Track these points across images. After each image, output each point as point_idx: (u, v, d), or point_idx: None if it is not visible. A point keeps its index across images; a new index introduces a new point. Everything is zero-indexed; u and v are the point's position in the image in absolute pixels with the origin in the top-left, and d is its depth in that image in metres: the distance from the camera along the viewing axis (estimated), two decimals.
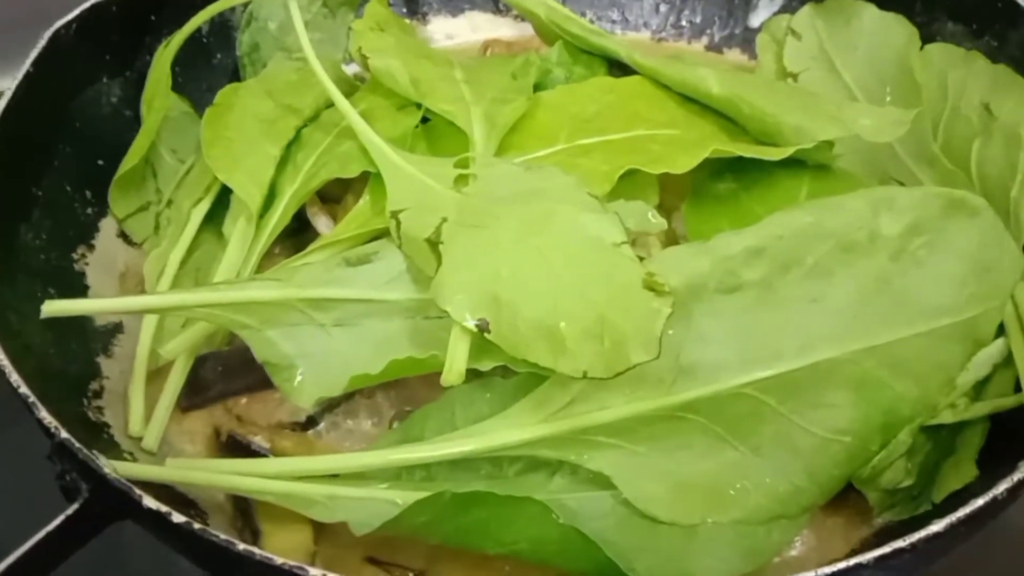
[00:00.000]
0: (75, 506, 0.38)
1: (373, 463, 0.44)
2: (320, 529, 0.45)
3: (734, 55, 0.76)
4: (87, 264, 0.57)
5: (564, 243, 0.45)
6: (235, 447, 0.50)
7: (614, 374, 0.40)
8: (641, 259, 0.44)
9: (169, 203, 0.62)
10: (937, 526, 0.36)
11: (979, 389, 0.48)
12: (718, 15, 0.77)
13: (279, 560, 0.34)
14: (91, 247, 0.58)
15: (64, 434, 0.39)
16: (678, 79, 0.60)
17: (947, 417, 0.47)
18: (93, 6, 0.61)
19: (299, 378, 0.47)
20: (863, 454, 0.45)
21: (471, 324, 0.42)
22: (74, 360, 0.52)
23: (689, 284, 0.44)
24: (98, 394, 0.51)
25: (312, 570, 0.34)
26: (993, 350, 0.48)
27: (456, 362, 0.42)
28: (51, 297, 0.52)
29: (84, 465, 0.38)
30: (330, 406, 0.51)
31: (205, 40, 0.69)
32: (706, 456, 0.44)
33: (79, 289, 0.56)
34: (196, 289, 0.50)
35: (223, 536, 0.35)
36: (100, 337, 0.54)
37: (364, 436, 0.51)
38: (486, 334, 0.42)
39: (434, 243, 0.46)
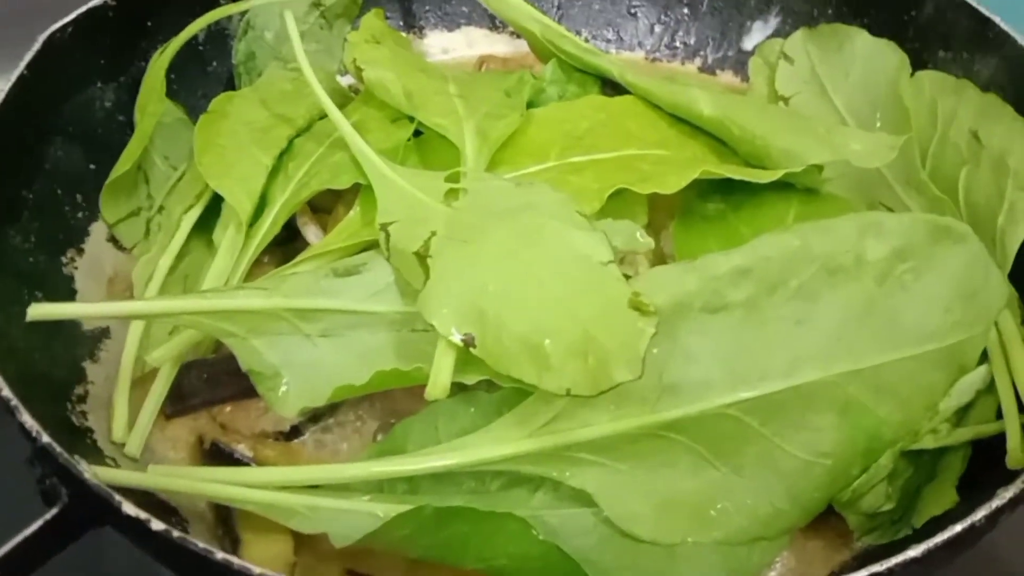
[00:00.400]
0: (54, 511, 0.38)
1: (355, 475, 0.44)
2: (300, 540, 0.45)
3: (727, 77, 0.77)
4: (76, 268, 0.57)
5: (552, 260, 0.45)
6: (218, 455, 0.49)
7: (598, 392, 0.40)
8: (628, 278, 0.45)
9: (160, 209, 0.62)
10: (915, 551, 0.36)
11: (961, 415, 0.49)
12: (712, 37, 0.77)
13: (257, 570, 0.34)
14: (80, 251, 0.58)
15: (45, 438, 0.39)
16: (670, 99, 0.60)
17: (929, 442, 0.47)
18: (89, 10, 0.61)
19: (284, 388, 0.47)
20: (844, 477, 0.45)
21: (457, 338, 0.43)
22: (59, 364, 0.51)
23: (675, 303, 0.45)
24: (82, 399, 0.51)
25: None
26: (976, 377, 0.48)
27: (441, 376, 0.43)
28: (38, 300, 0.52)
29: (64, 470, 0.38)
30: (314, 417, 0.51)
31: (201, 48, 0.69)
32: (688, 475, 0.44)
33: (67, 293, 0.56)
34: (183, 296, 0.50)
35: (202, 545, 0.35)
36: (87, 342, 0.54)
37: (347, 447, 0.51)
38: (472, 349, 0.42)
39: (422, 256, 0.46)
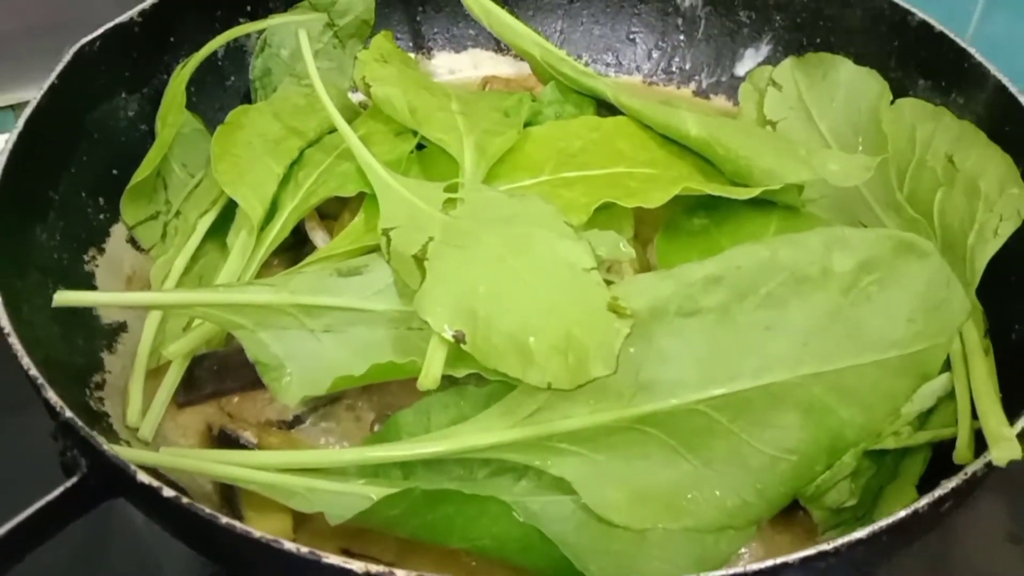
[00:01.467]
0: (74, 479, 0.41)
1: (351, 459, 0.47)
2: (299, 519, 0.48)
3: (720, 101, 0.80)
4: (96, 266, 0.61)
5: (539, 265, 0.48)
6: (225, 441, 0.53)
7: (575, 386, 0.44)
8: (609, 284, 0.48)
9: (177, 214, 0.66)
10: (860, 533, 0.39)
11: (923, 419, 0.51)
12: (706, 63, 0.81)
13: (257, 533, 0.37)
14: (101, 250, 0.62)
15: (68, 413, 0.42)
16: (660, 120, 0.63)
17: (890, 443, 0.50)
18: (117, 25, 0.65)
19: (287, 378, 0.50)
20: (809, 473, 0.48)
21: (449, 335, 0.46)
22: (79, 353, 0.55)
23: (651, 307, 0.48)
24: (100, 386, 0.54)
25: (286, 543, 0.37)
26: (937, 384, 0.51)
27: (432, 368, 0.46)
28: None
29: (84, 442, 0.41)
30: (315, 407, 0.54)
31: (220, 63, 0.73)
32: (661, 467, 0.47)
33: (88, 288, 0.59)
34: (197, 289, 0.53)
35: (208, 510, 0.38)
36: (105, 334, 0.58)
37: (345, 437, 0.54)
38: (462, 345, 0.46)
39: (420, 259, 0.49)
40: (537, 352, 0.45)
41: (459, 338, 0.46)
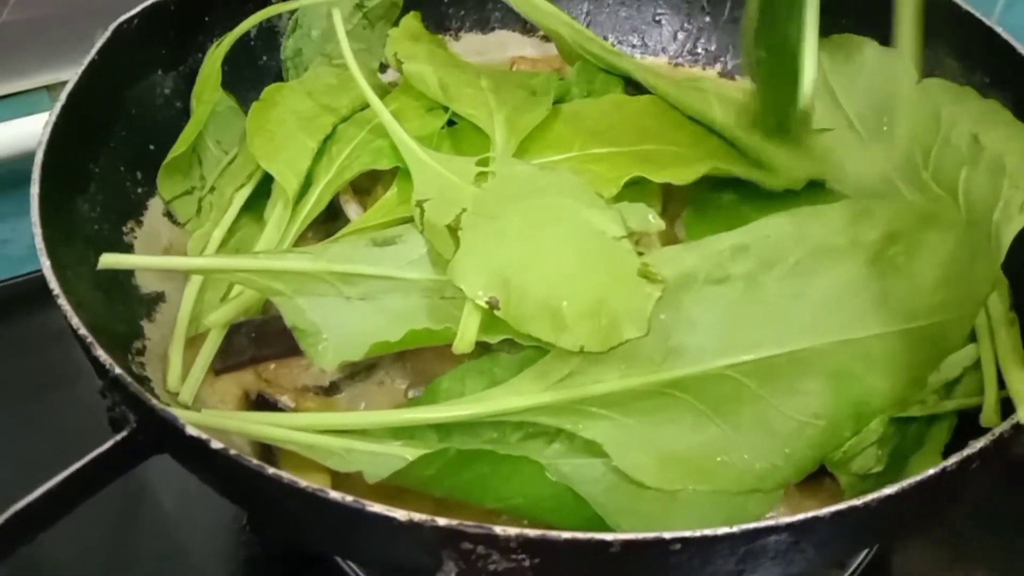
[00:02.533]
0: (124, 433, 0.42)
1: (388, 421, 0.49)
2: (336, 479, 0.49)
3: (746, 83, 0.80)
4: (135, 238, 0.62)
5: (569, 234, 0.50)
6: (264, 405, 0.54)
7: (608, 348, 0.45)
8: (639, 255, 0.49)
9: (212, 189, 0.67)
10: (890, 489, 0.40)
11: (949, 389, 0.52)
12: (732, 44, 0.81)
13: (303, 483, 0.39)
14: (139, 223, 0.63)
15: (117, 370, 0.43)
16: (686, 101, 0.64)
17: (916, 411, 0.51)
18: (153, 4, 0.66)
19: (323, 344, 0.51)
20: (835, 439, 0.49)
21: (483, 301, 0.47)
22: (120, 321, 0.56)
23: (680, 275, 0.49)
24: (140, 352, 0.56)
25: (331, 492, 0.38)
26: (963, 354, 0.52)
27: (467, 333, 0.47)
28: None
29: (134, 397, 0.42)
30: (351, 374, 0.55)
31: (253, 43, 0.74)
32: (691, 431, 0.48)
33: None
34: (238, 255, 0.54)
35: (255, 461, 0.39)
36: (144, 303, 0.59)
37: (380, 403, 0.55)
38: (496, 311, 0.47)
39: (454, 229, 0.50)
40: (569, 317, 0.46)
41: (493, 304, 0.47)
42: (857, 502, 0.39)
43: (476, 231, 0.50)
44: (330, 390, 0.55)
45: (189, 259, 0.50)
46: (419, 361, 0.55)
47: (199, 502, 0.64)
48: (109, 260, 0.49)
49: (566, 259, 0.49)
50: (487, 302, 0.47)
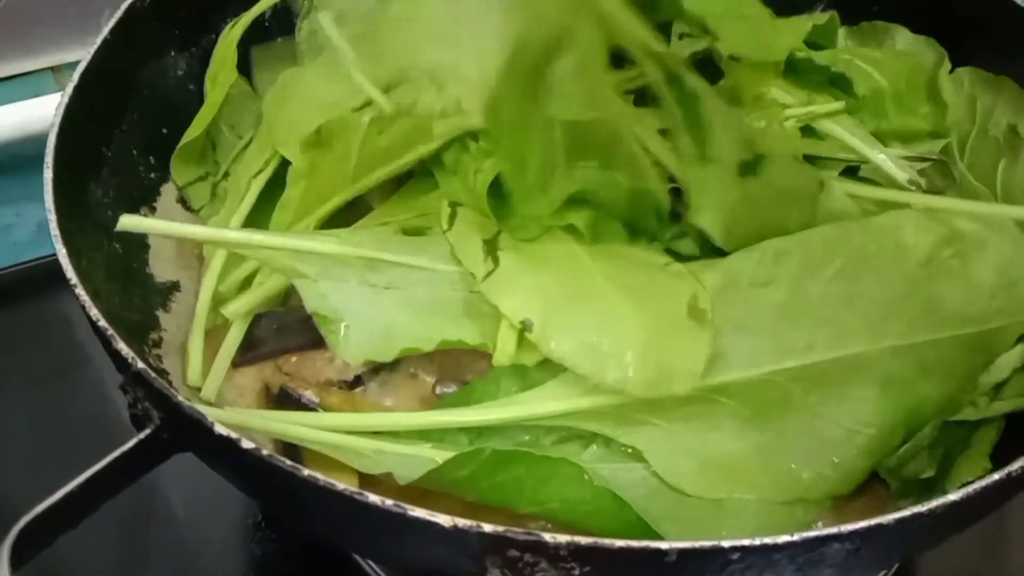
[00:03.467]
0: (147, 431, 0.40)
1: (419, 423, 0.47)
2: (364, 479, 0.47)
3: None
4: None
5: (615, 263, 0.48)
6: (287, 399, 0.52)
7: (652, 395, 0.43)
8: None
9: (226, 175, 0.65)
10: (955, 495, 0.38)
11: (997, 389, 0.51)
12: None
13: (340, 486, 0.37)
14: (152, 209, 0.61)
15: (140, 364, 0.41)
16: None
17: (969, 415, 0.49)
18: None
19: (345, 332, 0.49)
20: (885, 447, 0.47)
21: (518, 322, 0.45)
22: (136, 310, 0.54)
23: (725, 278, 0.47)
24: (157, 344, 0.54)
25: (371, 496, 0.36)
26: (1013, 356, 0.50)
27: (507, 346, 0.46)
28: (116, 250, 0.55)
29: (159, 393, 0.40)
30: (375, 368, 0.53)
31: (267, 24, 0.71)
32: (735, 438, 0.46)
33: (141, 247, 0.58)
34: (262, 232, 0.52)
35: (289, 463, 0.37)
36: (159, 292, 0.57)
37: (406, 397, 0.53)
38: (528, 334, 0.45)
39: (492, 246, 0.48)
40: (611, 355, 0.44)
41: (528, 326, 0.45)
42: (922, 509, 0.37)
43: (517, 252, 0.49)
44: (354, 384, 0.53)
45: (213, 230, 0.48)
46: (447, 355, 0.53)
47: (213, 497, 0.62)
48: (129, 222, 0.47)
49: (613, 291, 0.46)
50: (522, 323, 0.45)
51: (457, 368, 0.53)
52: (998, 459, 0.49)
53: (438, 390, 0.53)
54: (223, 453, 0.39)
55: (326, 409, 0.51)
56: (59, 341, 0.74)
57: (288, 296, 0.55)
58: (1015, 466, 0.40)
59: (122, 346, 0.42)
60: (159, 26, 0.64)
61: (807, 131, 0.57)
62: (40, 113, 0.77)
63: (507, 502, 0.45)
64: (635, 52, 0.45)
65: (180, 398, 0.39)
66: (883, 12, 0.72)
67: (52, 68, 0.81)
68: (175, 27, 0.65)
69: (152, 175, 0.62)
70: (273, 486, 0.40)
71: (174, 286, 0.58)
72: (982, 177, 0.61)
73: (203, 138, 0.64)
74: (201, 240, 0.54)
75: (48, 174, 0.51)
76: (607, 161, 0.48)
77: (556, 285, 0.47)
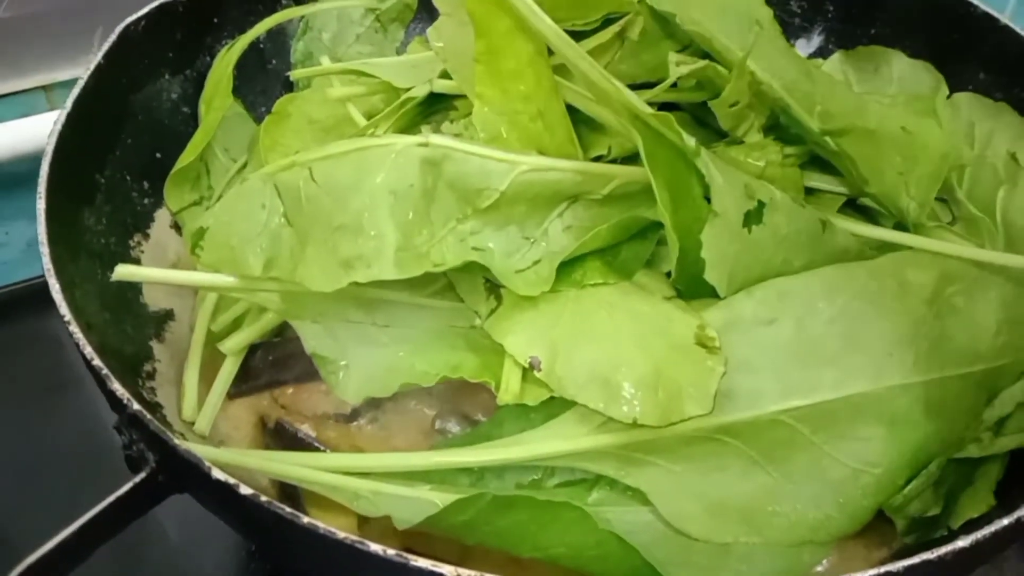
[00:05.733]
0: (142, 475, 0.40)
1: (419, 464, 0.46)
2: (363, 517, 0.47)
3: None
4: (142, 252, 0.59)
5: (619, 294, 0.47)
6: (283, 434, 0.51)
7: (667, 424, 0.42)
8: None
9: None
10: (963, 542, 0.37)
11: (1000, 424, 0.50)
12: None
13: (341, 534, 0.36)
14: (146, 235, 0.60)
15: (136, 406, 0.41)
16: None
17: (973, 451, 0.49)
18: (161, 5, 0.63)
19: (344, 372, 0.48)
20: (891, 487, 0.46)
21: (523, 360, 0.45)
22: (129, 341, 0.53)
23: (727, 317, 0.46)
24: (151, 376, 0.53)
25: (372, 545, 0.36)
26: (1016, 391, 0.50)
27: (512, 383, 0.45)
28: (109, 279, 0.54)
29: (155, 436, 0.39)
30: (374, 401, 0.53)
31: (261, 45, 0.71)
32: (740, 479, 0.45)
33: None
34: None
35: (289, 509, 0.37)
36: (153, 322, 0.56)
37: (405, 431, 0.52)
38: (536, 372, 0.44)
39: (493, 281, 0.47)
40: (623, 387, 0.43)
41: (535, 365, 0.44)
42: (931, 556, 0.37)
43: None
44: (351, 417, 0.53)
45: (207, 275, 0.47)
46: (447, 387, 0.52)
47: (207, 524, 0.61)
48: (124, 272, 0.46)
49: (616, 322, 0.46)
50: (529, 362, 0.44)
51: (457, 400, 0.52)
52: (1002, 494, 0.49)
53: (438, 424, 0.52)
54: (220, 497, 0.39)
55: (323, 443, 0.51)
56: (49, 361, 0.73)
57: (284, 326, 0.54)
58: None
59: (117, 387, 0.41)
60: (153, 48, 0.63)
61: (808, 163, 0.57)
62: (31, 132, 0.76)
63: (509, 547, 0.44)
64: (620, 122, 0.44)
65: (176, 441, 0.39)
66: (880, 37, 0.72)
67: (44, 87, 0.80)
68: (169, 50, 0.65)
69: (146, 200, 0.61)
70: (271, 531, 0.39)
71: (168, 315, 0.57)
72: (981, 205, 0.61)
73: (197, 163, 0.63)
74: (197, 286, 0.53)
75: (41, 204, 0.50)
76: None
77: (560, 320, 0.46)
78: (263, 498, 0.37)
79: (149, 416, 0.40)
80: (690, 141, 0.42)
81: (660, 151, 0.43)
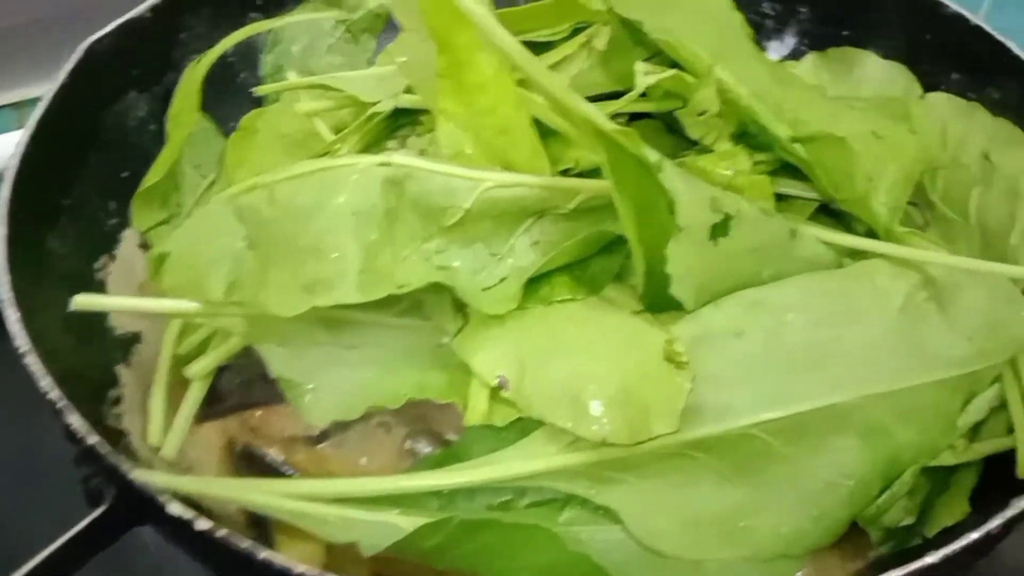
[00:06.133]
0: (101, 509, 0.39)
1: (386, 488, 0.45)
2: (332, 544, 0.46)
3: None
4: (108, 273, 0.58)
5: (587, 310, 0.47)
6: (250, 459, 0.51)
7: (635, 443, 0.42)
8: None
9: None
10: (932, 558, 0.37)
11: (975, 430, 0.50)
12: None
13: (299, 568, 0.35)
14: (112, 257, 0.59)
15: (92, 438, 0.40)
16: None
17: (948, 459, 0.48)
18: (128, 20, 0.62)
19: (312, 396, 0.47)
20: (865, 497, 0.46)
21: (491, 380, 0.44)
22: (94, 367, 0.53)
23: (696, 330, 0.46)
24: (117, 402, 0.52)
25: None
26: (989, 395, 0.50)
27: (479, 404, 0.44)
28: None
29: (111, 470, 0.39)
30: (344, 422, 0.52)
31: (230, 59, 0.70)
32: (713, 494, 0.45)
33: None
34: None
35: (246, 543, 0.36)
36: (119, 345, 0.55)
37: (375, 452, 0.52)
38: (504, 392, 0.44)
39: (460, 301, 0.47)
40: (591, 404, 0.43)
41: (503, 384, 0.44)
42: (899, 573, 0.36)
43: None
44: (320, 438, 0.52)
45: (168, 302, 0.46)
46: (417, 406, 0.51)
47: None
48: (83, 301, 0.46)
49: (587, 339, 0.45)
50: (496, 382, 0.44)
51: (428, 419, 0.51)
52: (977, 501, 0.49)
53: (409, 444, 0.51)
54: (178, 531, 0.38)
55: (292, 467, 0.50)
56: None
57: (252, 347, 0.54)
58: (993, 524, 0.39)
59: (74, 419, 0.41)
60: (119, 66, 0.62)
61: (780, 169, 0.56)
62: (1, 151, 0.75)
63: (480, 570, 0.44)
64: (583, 136, 0.44)
65: (132, 475, 0.38)
66: (853, 38, 0.72)
67: (14, 105, 0.79)
68: (136, 66, 0.64)
69: (112, 221, 0.61)
70: (230, 564, 0.38)
71: (135, 338, 0.56)
72: (956, 207, 0.61)
73: (165, 180, 0.63)
74: (158, 313, 0.52)
75: (2, 230, 0.50)
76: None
77: (528, 337, 0.46)
78: (220, 532, 0.36)
79: (106, 449, 0.39)
80: (652, 156, 0.42)
81: (624, 166, 0.42)
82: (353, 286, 0.43)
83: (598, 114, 0.41)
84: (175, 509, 0.37)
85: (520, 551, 0.43)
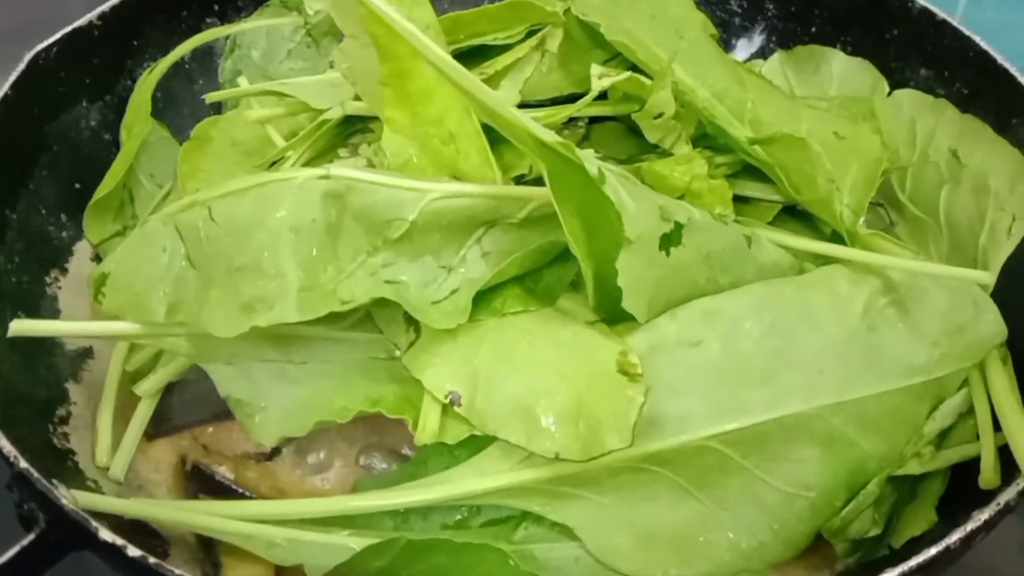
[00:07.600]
0: (31, 536, 0.38)
1: (336, 509, 0.44)
2: (280, 567, 0.45)
3: None
4: (60, 288, 0.57)
5: (541, 322, 0.45)
6: (200, 477, 0.49)
7: (588, 458, 0.41)
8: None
9: None
10: (891, 573, 0.36)
11: (942, 437, 0.49)
12: None
13: None
14: (64, 271, 0.58)
15: (23, 463, 0.39)
16: None
17: (914, 468, 0.47)
18: (74, 30, 0.61)
19: (262, 415, 0.46)
20: (828, 509, 0.45)
21: (442, 396, 0.43)
22: (42, 385, 0.51)
23: (651, 340, 0.45)
24: (64, 420, 0.51)
25: None
26: (957, 400, 0.49)
27: (430, 422, 0.43)
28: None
29: (42, 495, 0.38)
30: (296, 438, 0.51)
31: (187, 66, 0.69)
32: (671, 509, 0.44)
33: (51, 312, 0.56)
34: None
35: (179, 572, 0.35)
36: (69, 361, 0.54)
37: (327, 469, 0.51)
38: (456, 407, 0.43)
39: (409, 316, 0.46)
40: (544, 419, 0.42)
41: (454, 400, 0.43)
42: None
43: None
44: (272, 454, 0.51)
45: (112, 324, 0.45)
46: (369, 421, 0.50)
47: None
48: (20, 328, 0.45)
49: (540, 352, 0.44)
50: (448, 398, 0.43)
51: (382, 433, 0.50)
52: (944, 509, 0.48)
53: (363, 459, 0.50)
54: (111, 558, 0.37)
55: (241, 484, 0.49)
56: None
57: None
58: (954, 539, 0.38)
59: (4, 443, 0.39)
60: (68, 76, 0.61)
61: (742, 171, 0.55)
62: None
63: None
64: (525, 147, 0.42)
65: (63, 501, 0.37)
66: (821, 34, 0.71)
67: None
68: (85, 75, 0.63)
69: (64, 234, 0.59)
70: None
71: (86, 353, 0.55)
72: (924, 206, 0.60)
73: (119, 191, 0.61)
74: (101, 336, 0.51)
75: None
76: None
77: (480, 351, 0.44)
78: (151, 560, 0.35)
79: (37, 475, 0.38)
80: (593, 168, 0.40)
81: (568, 177, 0.41)
82: (293, 305, 0.42)
83: (535, 125, 0.40)
84: (106, 536, 0.36)
85: (471, 572, 0.41)
